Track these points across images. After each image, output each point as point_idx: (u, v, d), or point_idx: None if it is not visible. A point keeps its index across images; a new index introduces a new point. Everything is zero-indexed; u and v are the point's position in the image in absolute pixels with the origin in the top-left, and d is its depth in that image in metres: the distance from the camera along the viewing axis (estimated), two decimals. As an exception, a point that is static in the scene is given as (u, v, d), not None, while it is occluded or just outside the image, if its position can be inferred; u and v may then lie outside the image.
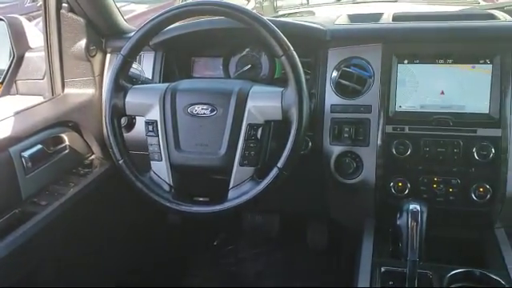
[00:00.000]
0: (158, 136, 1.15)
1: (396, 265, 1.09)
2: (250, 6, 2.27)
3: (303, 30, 1.35)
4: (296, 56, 1.07)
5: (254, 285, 1.90)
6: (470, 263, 1.09)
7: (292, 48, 1.07)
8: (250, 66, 1.48)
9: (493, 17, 1.32)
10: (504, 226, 1.27)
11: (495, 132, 1.18)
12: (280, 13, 1.97)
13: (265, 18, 1.12)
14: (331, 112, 1.30)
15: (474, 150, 1.19)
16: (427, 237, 1.03)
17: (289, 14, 1.94)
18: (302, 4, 2.17)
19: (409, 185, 1.24)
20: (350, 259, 1.27)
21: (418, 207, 1.04)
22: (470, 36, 1.24)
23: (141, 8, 4.08)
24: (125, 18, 1.58)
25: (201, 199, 1.20)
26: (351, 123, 1.29)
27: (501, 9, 1.54)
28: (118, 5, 1.54)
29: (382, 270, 1.11)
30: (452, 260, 1.12)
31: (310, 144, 1.32)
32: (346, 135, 1.29)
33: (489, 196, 1.19)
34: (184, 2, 1.15)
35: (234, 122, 1.11)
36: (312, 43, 1.35)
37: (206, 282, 1.93)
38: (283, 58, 1.07)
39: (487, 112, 1.20)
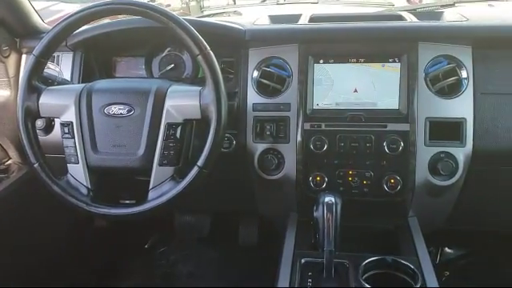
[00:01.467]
0: (73, 138, 1.12)
1: (315, 256, 1.13)
2: (176, 6, 2.26)
3: (222, 30, 1.37)
4: (212, 55, 1.09)
5: (186, 285, 1.89)
6: (386, 251, 1.16)
7: (208, 47, 1.09)
8: (172, 65, 1.48)
9: (401, 18, 1.41)
10: (416, 215, 1.35)
11: (404, 126, 1.26)
12: (205, 13, 1.97)
13: (185, 17, 1.13)
14: (253, 110, 1.33)
15: (384, 143, 1.26)
16: (346, 227, 1.09)
17: (214, 14, 1.95)
18: (228, 4, 2.19)
19: (326, 179, 1.30)
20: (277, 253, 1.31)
21: (333, 199, 1.09)
22: (379, 36, 1.31)
23: (70, 7, 3.91)
24: (53, 17, 1.53)
25: (127, 202, 1.19)
26: (272, 121, 1.33)
27: (413, 11, 1.64)
28: (46, 4, 1.50)
29: (302, 261, 1.15)
30: (369, 249, 1.17)
31: (235, 142, 1.35)
32: (267, 133, 1.33)
33: (399, 187, 1.27)
34: (100, 1, 1.12)
35: (152, 122, 1.11)
36: (233, 43, 1.37)
37: (138, 286, 1.90)
38: (199, 57, 1.08)
39: (397, 108, 1.28)
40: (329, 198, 1.09)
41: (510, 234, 1.71)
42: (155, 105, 1.11)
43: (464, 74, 1.27)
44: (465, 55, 1.27)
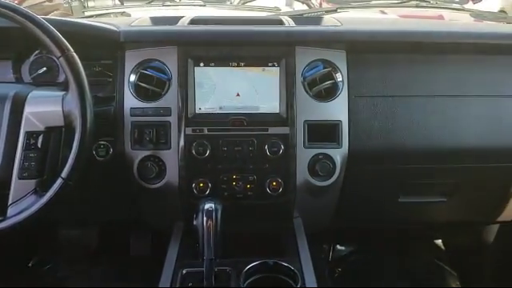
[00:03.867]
0: None
1: (197, 265, 1.10)
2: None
3: (94, 31, 1.28)
4: (76, 57, 1.01)
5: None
6: (270, 254, 1.16)
7: (71, 49, 1.01)
8: (45, 68, 1.36)
9: (281, 23, 1.43)
10: (301, 216, 1.38)
11: (284, 130, 1.27)
12: (87, 13, 1.86)
13: (46, 17, 1.04)
14: (131, 116, 1.27)
15: (266, 147, 1.26)
16: (233, 233, 1.07)
17: (98, 15, 1.85)
18: (115, 5, 2.09)
19: (210, 184, 1.27)
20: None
21: (213, 205, 1.07)
22: (257, 40, 1.31)
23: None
24: None
25: None
26: (152, 126, 1.27)
27: (299, 16, 1.68)
28: None
29: (184, 272, 1.11)
30: (255, 253, 1.16)
31: (112, 150, 1.27)
32: (147, 139, 1.27)
33: (281, 189, 1.28)
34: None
35: (10, 131, 1.01)
36: (109, 45, 1.30)
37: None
38: (61, 59, 1.00)
39: (278, 112, 1.29)
40: (209, 205, 1.07)
41: (392, 230, 1.82)
42: (12, 112, 1.02)
43: (339, 77, 1.31)
44: (339, 59, 1.31)
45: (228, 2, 2.29)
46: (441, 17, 2.07)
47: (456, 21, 1.92)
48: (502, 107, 1.31)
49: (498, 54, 1.34)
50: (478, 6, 2.48)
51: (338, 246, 2.03)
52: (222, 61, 1.28)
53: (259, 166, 1.28)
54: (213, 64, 1.29)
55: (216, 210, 1.06)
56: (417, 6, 1.91)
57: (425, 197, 1.51)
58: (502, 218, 1.59)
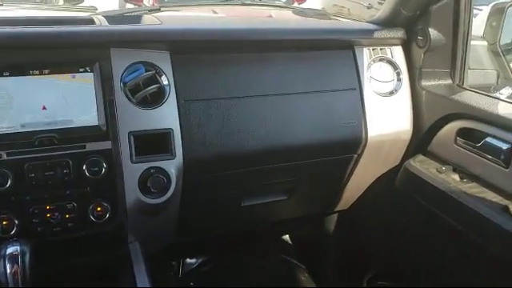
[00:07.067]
0: None
1: None
2: None
3: None
4: None
5: None
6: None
7: None
8: None
9: (92, 22, 1.24)
10: (138, 239, 1.23)
11: (105, 144, 1.10)
12: None
13: None
14: None
15: (84, 167, 1.08)
16: (57, 274, 0.92)
17: None
18: None
19: (16, 221, 1.04)
20: None
21: (18, 249, 0.87)
22: (62, 42, 1.11)
23: None
24: None
25: None
26: None
27: (116, 15, 1.49)
28: None
29: None
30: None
31: None
32: None
33: (108, 214, 1.11)
34: None
35: None
36: None
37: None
38: None
39: (96, 124, 1.11)
40: (12, 249, 0.87)
41: (240, 234, 1.77)
42: None
43: (165, 81, 1.18)
44: (163, 61, 1.18)
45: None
46: (270, 16, 2.09)
47: (280, 18, 1.94)
48: (329, 102, 1.33)
49: (320, 50, 1.36)
50: (302, 6, 2.59)
51: (188, 260, 1.92)
52: (20, 69, 1.05)
53: (79, 191, 1.09)
54: (7, 73, 1.05)
55: (23, 253, 0.87)
56: (242, 4, 1.88)
57: (267, 197, 1.48)
58: (339, 208, 1.65)
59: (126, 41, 1.15)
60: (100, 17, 1.31)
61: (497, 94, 1.50)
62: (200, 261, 1.91)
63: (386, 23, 1.40)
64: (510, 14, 2.31)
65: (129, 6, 2.60)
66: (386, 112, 1.39)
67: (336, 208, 1.65)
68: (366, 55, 1.39)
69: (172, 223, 1.32)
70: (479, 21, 2.51)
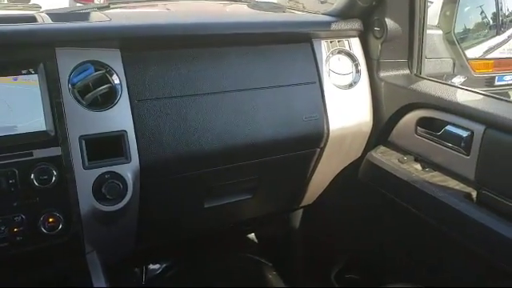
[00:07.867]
0: None
1: None
2: None
3: None
4: None
5: None
6: None
7: None
8: None
9: (34, 20, 1.16)
10: (96, 249, 1.16)
11: (54, 151, 1.03)
12: None
13: None
14: None
15: (32, 176, 1.00)
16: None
17: None
18: None
19: None
20: None
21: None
22: (1, 42, 1.02)
23: None
24: None
25: None
26: None
27: (61, 13, 1.41)
28: None
29: None
30: None
31: None
32: None
33: (61, 225, 1.04)
34: None
35: None
36: None
37: None
38: None
39: (44, 129, 1.03)
40: None
41: (204, 235, 1.73)
42: None
43: (116, 80, 1.12)
44: (113, 59, 1.12)
45: None
46: (224, 11, 2.04)
47: (235, 12, 1.90)
48: (289, 97, 1.30)
49: (278, 44, 1.33)
50: (257, 0, 2.55)
51: (151, 266, 1.85)
52: None
53: (27, 202, 1.01)
54: None
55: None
56: (195, -1, 1.82)
57: (231, 197, 1.44)
58: (304, 203, 1.63)
59: (73, 40, 1.08)
60: (43, 14, 1.22)
61: (453, 82, 1.52)
62: (164, 266, 1.85)
63: (343, 15, 1.38)
64: (463, 3, 2.37)
65: (79, 5, 2.48)
66: (347, 104, 1.38)
67: (301, 204, 1.63)
68: (324, 48, 1.37)
69: (131, 230, 1.25)
70: (433, 11, 2.57)
